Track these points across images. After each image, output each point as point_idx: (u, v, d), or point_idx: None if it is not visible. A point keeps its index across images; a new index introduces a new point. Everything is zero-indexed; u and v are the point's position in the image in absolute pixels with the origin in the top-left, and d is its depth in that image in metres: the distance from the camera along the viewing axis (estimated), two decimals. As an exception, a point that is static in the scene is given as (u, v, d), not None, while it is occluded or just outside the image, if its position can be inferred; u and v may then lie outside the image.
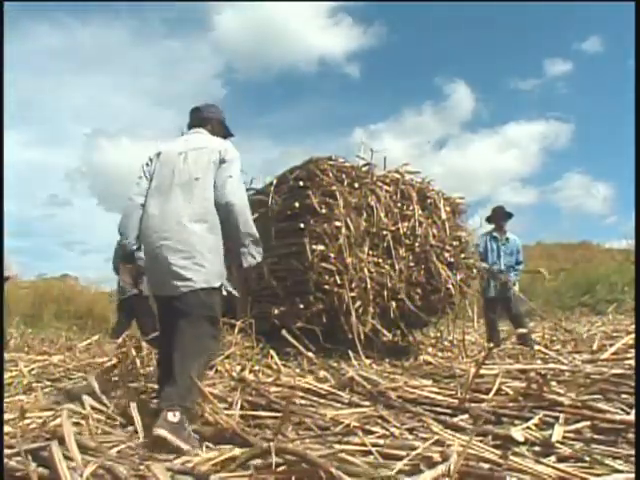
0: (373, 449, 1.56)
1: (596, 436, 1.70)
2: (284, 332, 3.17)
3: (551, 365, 2.78)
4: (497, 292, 5.22)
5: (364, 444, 1.60)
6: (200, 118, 2.70)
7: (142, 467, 1.41)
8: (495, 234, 5.39)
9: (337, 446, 1.60)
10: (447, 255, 4.71)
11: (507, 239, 5.38)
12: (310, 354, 3.52)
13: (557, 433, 1.65)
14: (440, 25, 40.24)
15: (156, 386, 2.79)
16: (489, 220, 5.44)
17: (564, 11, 35.46)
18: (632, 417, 1.75)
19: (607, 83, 38.57)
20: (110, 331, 6.37)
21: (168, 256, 2.25)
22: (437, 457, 1.41)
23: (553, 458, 1.53)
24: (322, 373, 2.97)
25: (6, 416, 2.08)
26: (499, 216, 5.38)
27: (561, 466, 1.41)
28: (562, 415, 1.83)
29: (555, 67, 39.72)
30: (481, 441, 1.61)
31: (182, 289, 2.22)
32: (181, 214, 2.29)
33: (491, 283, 5.26)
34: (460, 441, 1.64)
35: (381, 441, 1.66)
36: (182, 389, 1.99)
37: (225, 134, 2.77)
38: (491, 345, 4.61)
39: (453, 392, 2.37)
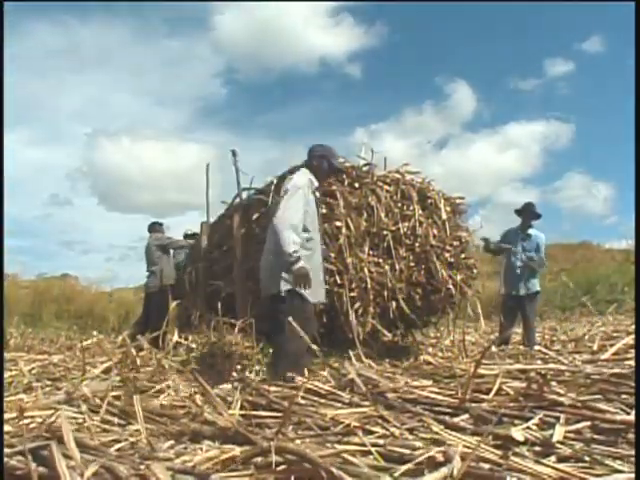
0: (373, 449, 1.56)
1: (596, 436, 1.70)
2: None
3: (551, 365, 2.77)
4: (511, 288, 5.17)
5: (364, 444, 1.60)
6: (306, 159, 3.32)
7: (142, 467, 1.41)
8: (518, 229, 5.31)
9: (337, 446, 1.59)
10: (447, 255, 4.71)
11: (528, 235, 5.26)
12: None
13: (558, 433, 1.65)
14: (441, 25, 40.25)
15: (156, 385, 2.80)
16: (518, 213, 5.36)
17: (564, 11, 35.46)
18: (632, 417, 1.75)
19: (608, 83, 38.58)
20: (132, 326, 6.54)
21: (263, 267, 3.07)
22: (439, 457, 1.40)
23: (553, 458, 1.52)
24: (322, 373, 2.97)
25: (6, 415, 2.08)
26: (527, 213, 5.27)
27: (561, 466, 1.41)
28: (562, 415, 1.83)
29: (556, 67, 39.74)
30: (481, 441, 1.61)
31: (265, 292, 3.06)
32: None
33: (507, 279, 5.20)
34: (462, 442, 1.64)
35: (381, 441, 1.65)
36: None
37: (327, 171, 3.33)
38: (496, 341, 4.60)
39: (453, 392, 2.36)
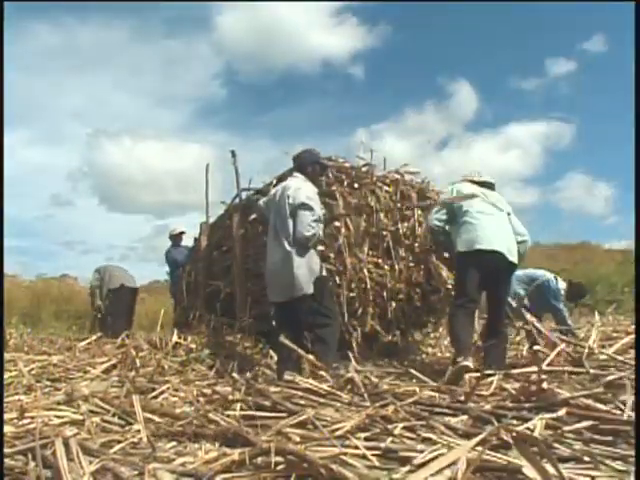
0: (373, 450, 1.56)
1: (596, 436, 1.70)
2: (282, 338, 3.12)
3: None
4: None
5: (364, 445, 1.60)
6: (298, 165, 3.60)
7: (143, 467, 1.41)
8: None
9: (337, 447, 1.59)
10: (447, 255, 4.70)
11: None
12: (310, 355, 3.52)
13: (540, 426, 1.68)
14: (444, 25, 40.37)
15: (155, 385, 2.80)
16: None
17: (566, 10, 35.49)
18: (632, 417, 1.75)
19: (610, 83, 38.62)
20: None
21: (292, 270, 3.26)
22: (442, 459, 1.40)
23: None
24: (322, 373, 2.97)
25: (6, 416, 2.08)
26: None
27: (561, 466, 1.41)
28: (562, 415, 1.83)
29: (558, 67, 39.74)
30: (480, 441, 1.61)
31: None
32: None
33: None
34: (461, 443, 1.64)
35: (381, 443, 1.65)
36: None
37: (320, 174, 3.68)
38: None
39: (453, 392, 2.37)
